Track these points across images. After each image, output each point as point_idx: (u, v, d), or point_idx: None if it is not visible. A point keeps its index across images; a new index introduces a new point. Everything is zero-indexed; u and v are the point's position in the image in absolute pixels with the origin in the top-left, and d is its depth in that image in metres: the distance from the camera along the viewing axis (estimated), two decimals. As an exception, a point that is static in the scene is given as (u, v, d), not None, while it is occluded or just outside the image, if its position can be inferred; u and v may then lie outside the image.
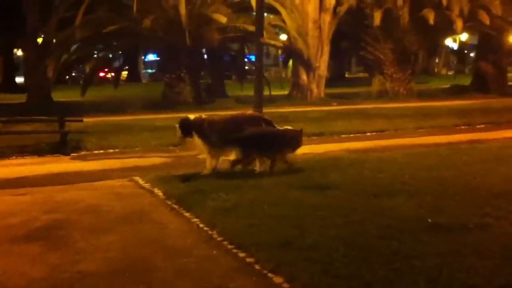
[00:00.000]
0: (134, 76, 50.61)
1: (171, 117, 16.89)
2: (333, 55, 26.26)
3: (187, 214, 6.32)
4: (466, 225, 5.34)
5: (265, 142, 8.18)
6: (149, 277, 4.57)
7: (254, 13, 20.29)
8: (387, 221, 5.56)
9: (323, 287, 4.19)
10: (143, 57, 53.77)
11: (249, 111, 9.45)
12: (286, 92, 26.18)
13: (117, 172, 9.02)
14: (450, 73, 53.11)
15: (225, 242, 5.29)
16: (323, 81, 24.58)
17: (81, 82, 30.72)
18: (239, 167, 8.26)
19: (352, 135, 13.09)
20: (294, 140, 8.24)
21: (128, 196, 7.31)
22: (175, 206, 6.66)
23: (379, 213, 5.88)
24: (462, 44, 51.60)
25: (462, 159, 8.83)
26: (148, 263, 4.89)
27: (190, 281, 4.49)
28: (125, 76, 49.75)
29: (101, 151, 11.46)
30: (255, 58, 15.90)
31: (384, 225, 5.43)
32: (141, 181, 8.05)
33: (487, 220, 5.49)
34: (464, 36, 40.21)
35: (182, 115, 17.97)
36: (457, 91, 26.91)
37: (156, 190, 7.45)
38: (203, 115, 8.80)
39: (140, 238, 5.60)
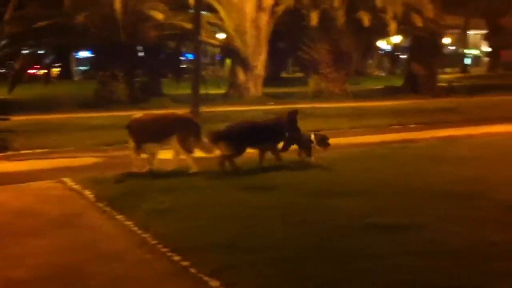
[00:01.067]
0: (66, 74, 48.99)
1: (105, 116, 16.50)
2: (270, 54, 26.31)
3: (119, 217, 6.07)
4: (408, 225, 5.35)
5: (256, 134, 8.00)
6: (81, 284, 4.38)
7: (192, 11, 20.09)
8: (331, 222, 5.53)
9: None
10: (75, 54, 52.16)
11: (179, 112, 9.11)
12: (223, 91, 26.05)
13: (46, 173, 8.61)
14: (383, 74, 54.49)
15: (159, 246, 5.11)
16: (260, 81, 24.61)
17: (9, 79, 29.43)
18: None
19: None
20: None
21: (57, 199, 6.99)
22: (107, 209, 6.40)
23: (322, 214, 5.85)
24: (394, 46, 53.08)
25: (398, 159, 8.96)
26: (79, 269, 4.67)
27: (120, 285, 4.29)
28: (57, 73, 48.13)
29: (30, 151, 10.94)
30: (193, 57, 15.73)
31: (328, 226, 5.40)
32: (71, 183, 7.70)
33: (428, 220, 5.54)
34: (396, 39, 41.36)
35: (116, 114, 17.61)
36: (390, 92, 27.56)
37: (86, 192, 7.14)
38: (136, 114, 8.61)
39: (70, 242, 5.36)
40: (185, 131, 8.02)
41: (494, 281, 4.10)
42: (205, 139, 8.02)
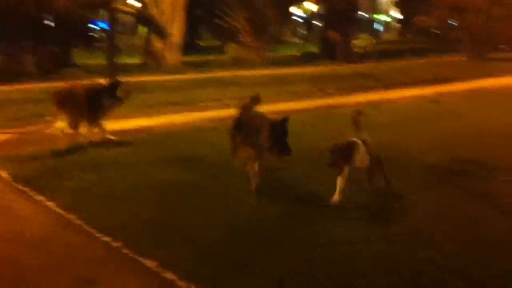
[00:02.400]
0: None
1: (14, 90, 15.47)
2: (187, 22, 25.69)
3: (39, 198, 5.65)
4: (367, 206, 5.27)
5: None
6: (7, 277, 3.98)
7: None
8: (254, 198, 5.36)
9: (204, 268, 3.94)
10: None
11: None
12: (139, 61, 25.21)
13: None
14: (299, 41, 54.96)
15: (86, 227, 4.80)
16: (178, 49, 23.98)
17: None
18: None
19: (212, 103, 12.84)
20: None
21: (-33, 181, 6.42)
22: (25, 189, 5.93)
23: (244, 189, 5.62)
24: (309, 13, 53.54)
25: (325, 126, 8.96)
26: (1, 259, 4.27)
27: (54, 275, 3.98)
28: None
29: None
30: (108, 25, 15.00)
31: (251, 201, 5.23)
32: (-18, 162, 7.11)
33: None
34: (312, 6, 41.72)
35: (25, 87, 16.55)
36: (307, 59, 27.76)
37: (1, 172, 6.60)
38: None
39: (-14, 229, 4.91)
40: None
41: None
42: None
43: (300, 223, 4.86)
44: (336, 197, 5.22)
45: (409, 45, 35.00)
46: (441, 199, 5.36)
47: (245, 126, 5.86)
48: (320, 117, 9.92)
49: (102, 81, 8.24)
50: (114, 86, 8.03)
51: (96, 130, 7.98)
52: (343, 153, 5.25)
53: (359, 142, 5.31)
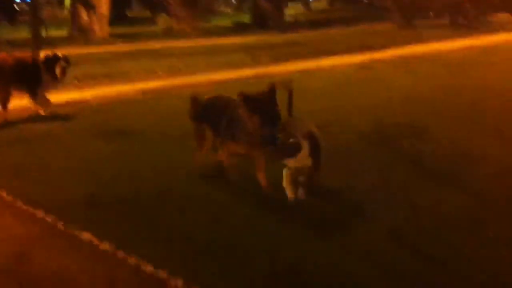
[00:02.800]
0: None
1: None
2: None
3: (-39, 176, 5.42)
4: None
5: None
6: None
7: None
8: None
9: (142, 239, 3.92)
10: None
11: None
12: (64, 33, 24.31)
13: None
14: (229, 11, 54.52)
15: (18, 204, 4.64)
16: (105, 20, 23.28)
17: None
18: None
19: (143, 75, 12.61)
20: None
21: None
22: None
23: (178, 160, 5.58)
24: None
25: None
26: None
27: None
28: None
29: None
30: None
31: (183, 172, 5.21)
32: None
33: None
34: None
35: None
36: (239, 29, 27.64)
37: None
38: None
39: None
40: None
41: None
42: None
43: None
44: (289, 195, 4.55)
45: (338, 14, 35.45)
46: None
47: (220, 118, 5.00)
48: (254, 86, 9.92)
49: (40, 53, 7.87)
50: (51, 61, 7.67)
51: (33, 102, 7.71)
52: (285, 151, 4.53)
53: (304, 142, 4.45)
